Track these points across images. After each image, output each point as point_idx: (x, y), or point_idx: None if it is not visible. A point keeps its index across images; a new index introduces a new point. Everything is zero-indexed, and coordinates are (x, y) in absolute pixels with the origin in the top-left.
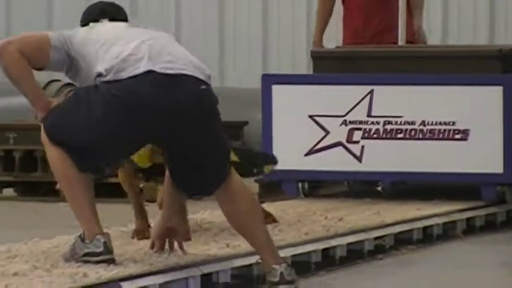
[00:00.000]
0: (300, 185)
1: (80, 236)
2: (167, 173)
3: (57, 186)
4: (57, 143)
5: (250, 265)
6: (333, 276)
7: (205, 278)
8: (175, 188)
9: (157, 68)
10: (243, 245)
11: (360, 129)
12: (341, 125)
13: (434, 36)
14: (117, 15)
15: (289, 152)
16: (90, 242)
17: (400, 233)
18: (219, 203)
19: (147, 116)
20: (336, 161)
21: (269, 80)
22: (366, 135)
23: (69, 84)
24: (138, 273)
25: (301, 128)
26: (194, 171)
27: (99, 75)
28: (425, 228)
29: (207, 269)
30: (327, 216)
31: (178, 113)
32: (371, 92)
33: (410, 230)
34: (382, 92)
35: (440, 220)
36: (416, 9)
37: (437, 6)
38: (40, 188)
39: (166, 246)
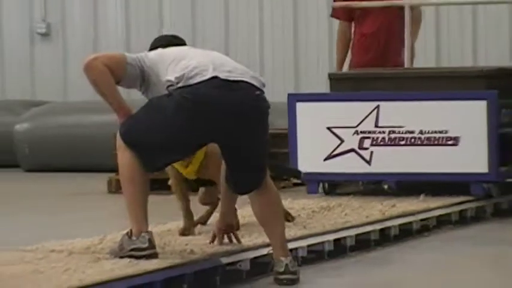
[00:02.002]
0: (320, 184)
1: (127, 234)
2: (223, 177)
3: (169, 183)
4: (130, 144)
5: (322, 242)
6: (388, 251)
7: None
8: (228, 185)
9: (221, 75)
10: (318, 226)
11: (369, 137)
12: (353, 134)
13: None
14: (180, 44)
15: (311, 158)
16: (137, 238)
17: (441, 215)
18: (251, 200)
19: (211, 113)
20: (350, 165)
21: (293, 98)
22: (374, 142)
23: None
24: (233, 250)
25: (320, 138)
26: (245, 169)
27: (171, 83)
28: (461, 211)
29: (289, 246)
30: (383, 203)
31: (237, 112)
32: (377, 107)
33: (450, 213)
34: (386, 106)
35: (473, 205)
36: (414, 32)
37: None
38: (155, 184)
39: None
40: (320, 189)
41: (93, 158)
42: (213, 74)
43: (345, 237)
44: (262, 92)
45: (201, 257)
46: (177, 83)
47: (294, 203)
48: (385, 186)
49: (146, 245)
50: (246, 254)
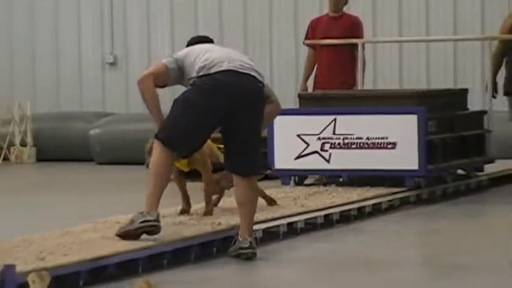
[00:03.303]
0: (292, 178)
1: (139, 212)
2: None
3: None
4: (162, 140)
5: (315, 217)
6: (364, 224)
7: (290, 225)
8: (227, 167)
9: (233, 68)
10: (312, 205)
11: (328, 142)
12: (316, 140)
13: (394, 82)
14: (208, 41)
15: (285, 157)
16: (148, 213)
17: (402, 197)
18: (236, 187)
19: (225, 94)
20: (314, 163)
21: None
22: (332, 146)
23: None
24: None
25: (292, 142)
26: (242, 151)
27: (192, 77)
28: (417, 194)
29: (291, 220)
30: (359, 188)
31: (244, 96)
32: (335, 119)
33: (409, 196)
34: (342, 119)
35: (427, 190)
36: (359, 68)
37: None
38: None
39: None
40: (291, 182)
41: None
42: (228, 67)
43: (332, 213)
44: (263, 84)
45: (226, 227)
46: (198, 72)
47: (295, 189)
48: (341, 179)
49: (154, 217)
50: (259, 225)
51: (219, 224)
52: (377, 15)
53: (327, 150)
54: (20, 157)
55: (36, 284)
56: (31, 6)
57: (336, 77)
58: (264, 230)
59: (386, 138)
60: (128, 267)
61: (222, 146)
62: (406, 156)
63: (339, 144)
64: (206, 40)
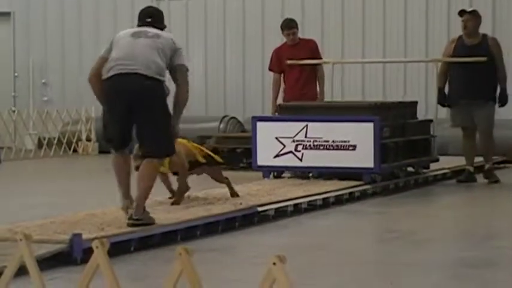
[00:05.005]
0: (271, 173)
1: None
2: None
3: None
4: (104, 140)
5: (316, 200)
6: (354, 205)
7: (296, 205)
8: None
9: (117, 71)
10: (313, 190)
11: (301, 144)
12: (291, 142)
13: (375, 95)
14: (158, 18)
15: (266, 156)
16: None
17: (376, 186)
18: (141, 167)
19: (116, 98)
20: (289, 161)
21: (255, 119)
22: (304, 147)
23: None
24: (265, 203)
25: (271, 144)
26: (147, 138)
27: None
28: (386, 185)
29: (297, 201)
30: (349, 180)
31: (129, 96)
32: (307, 125)
33: (388, 185)
34: (312, 125)
35: (393, 181)
36: (321, 83)
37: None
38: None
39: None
40: (271, 176)
41: None
42: (113, 73)
43: (329, 197)
44: (155, 80)
45: (246, 206)
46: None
47: (299, 179)
48: (310, 175)
49: (138, 217)
50: (271, 205)
51: (240, 204)
52: (365, 38)
53: (300, 151)
54: (85, 150)
55: (98, 249)
56: (97, 41)
57: (300, 90)
58: (276, 209)
59: (348, 141)
60: (169, 236)
61: (198, 145)
62: (364, 156)
63: (309, 145)
64: (150, 10)
